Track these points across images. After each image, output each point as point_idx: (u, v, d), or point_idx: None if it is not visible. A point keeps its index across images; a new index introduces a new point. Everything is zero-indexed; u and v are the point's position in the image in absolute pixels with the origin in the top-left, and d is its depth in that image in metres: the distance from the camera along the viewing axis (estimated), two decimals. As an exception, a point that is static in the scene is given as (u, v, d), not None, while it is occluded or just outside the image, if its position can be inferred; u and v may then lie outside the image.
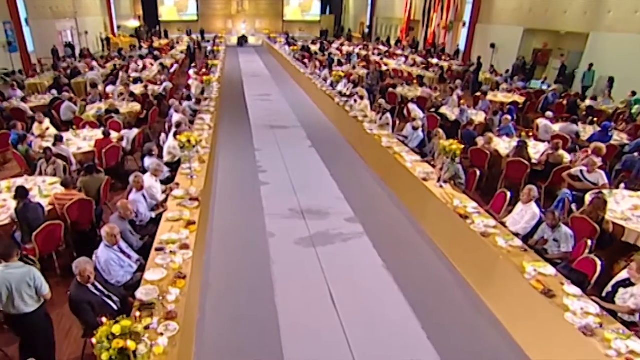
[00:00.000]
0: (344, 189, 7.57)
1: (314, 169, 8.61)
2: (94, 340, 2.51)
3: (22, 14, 17.18)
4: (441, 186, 6.09)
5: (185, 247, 4.37)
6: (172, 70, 16.14)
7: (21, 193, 4.88)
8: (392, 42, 27.95)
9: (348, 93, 12.01)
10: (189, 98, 11.03)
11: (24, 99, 10.86)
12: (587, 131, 9.14)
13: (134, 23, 32.86)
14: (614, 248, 5.21)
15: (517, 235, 4.97)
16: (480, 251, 4.85)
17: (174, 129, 7.52)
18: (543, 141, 8.51)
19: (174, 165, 6.84)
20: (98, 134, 7.82)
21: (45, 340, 3.81)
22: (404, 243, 6.00)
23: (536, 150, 7.79)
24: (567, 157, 7.31)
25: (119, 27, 30.13)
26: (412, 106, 10.65)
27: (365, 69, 17.60)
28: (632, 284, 3.93)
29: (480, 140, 7.99)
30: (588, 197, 5.82)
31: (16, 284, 3.47)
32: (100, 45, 26.61)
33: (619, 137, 8.75)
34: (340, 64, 18.61)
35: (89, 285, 3.57)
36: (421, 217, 6.41)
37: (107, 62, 17.80)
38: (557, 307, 3.76)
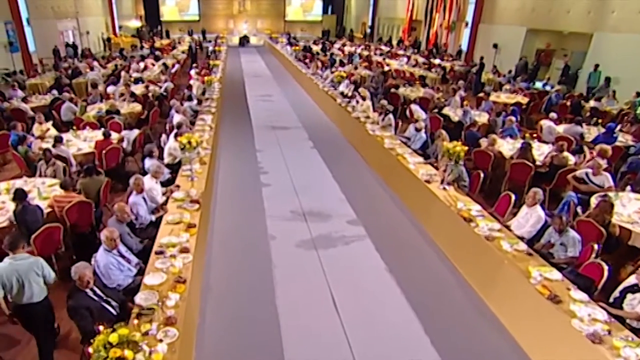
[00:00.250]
0: (346, 190, 7.50)
1: (316, 170, 8.55)
2: (90, 350, 2.45)
3: (24, 14, 17.19)
4: (444, 188, 6.01)
5: (185, 250, 4.31)
6: (173, 71, 16.09)
7: (19, 195, 4.83)
8: (394, 43, 27.87)
9: (350, 94, 11.93)
10: (190, 98, 10.98)
11: (24, 99, 10.82)
12: (591, 132, 9.06)
13: (136, 23, 32.84)
14: (621, 252, 5.13)
15: (521, 239, 4.90)
16: (485, 255, 4.77)
17: (174, 130, 7.46)
18: (547, 142, 8.44)
19: (175, 167, 6.78)
20: (98, 134, 7.77)
21: (52, 329, 3.90)
22: (407, 246, 5.93)
23: (540, 151, 7.71)
24: (571, 159, 7.24)
25: (120, 27, 30.12)
26: (414, 107, 10.58)
27: (367, 70, 17.52)
28: (641, 290, 3.86)
29: (483, 142, 7.91)
30: (594, 200, 5.75)
31: (25, 274, 3.62)
32: (101, 45, 26.60)
33: (623, 139, 8.66)
34: (342, 64, 18.54)
35: (88, 291, 3.51)
36: (424, 220, 6.33)
37: (109, 62, 17.76)
38: (563, 313, 3.68)
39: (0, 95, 10.45)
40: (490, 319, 4.51)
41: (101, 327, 2.53)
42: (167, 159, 7.12)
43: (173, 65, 17.06)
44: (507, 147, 7.93)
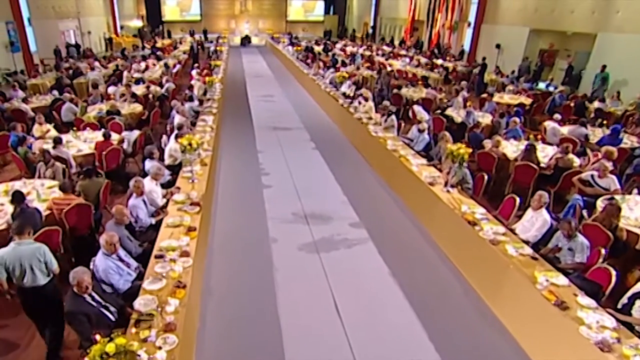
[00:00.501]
0: (349, 192, 7.42)
1: (318, 171, 8.48)
2: (86, 360, 2.39)
3: (25, 14, 17.15)
4: (448, 191, 5.94)
5: (185, 254, 4.24)
6: (174, 71, 16.04)
7: (18, 198, 4.77)
8: (396, 43, 27.79)
9: (352, 95, 11.86)
10: (191, 99, 10.92)
11: (25, 100, 10.77)
12: (596, 134, 8.97)
13: (137, 23, 32.84)
14: (628, 256, 5.04)
15: (527, 242, 4.82)
16: (489, 259, 4.70)
17: (175, 131, 7.40)
18: (551, 144, 8.35)
19: (176, 168, 6.71)
20: (98, 135, 7.70)
21: (56, 311, 3.88)
22: (410, 249, 5.85)
23: (544, 153, 7.62)
24: (576, 161, 7.15)
25: (122, 27, 30.10)
26: (417, 108, 10.51)
27: (369, 70, 17.44)
28: (650, 296, 3.78)
29: (487, 144, 7.83)
30: (600, 203, 5.66)
31: (28, 259, 3.75)
32: (103, 45, 26.58)
33: (629, 140, 8.57)
34: (344, 64, 18.46)
35: (86, 296, 3.45)
36: (428, 223, 6.26)
37: (110, 62, 17.73)
38: (571, 320, 3.60)
39: (1, 96, 10.40)
40: (495, 324, 4.44)
41: (98, 337, 2.46)
42: (167, 161, 7.06)
43: (174, 66, 17.02)
44: (511, 148, 7.85)
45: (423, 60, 20.10)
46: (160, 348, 3.12)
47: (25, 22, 17.10)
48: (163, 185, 5.84)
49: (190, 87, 12.77)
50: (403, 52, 23.65)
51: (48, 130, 8.18)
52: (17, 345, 4.15)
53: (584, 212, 5.88)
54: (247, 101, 14.41)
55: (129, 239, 4.58)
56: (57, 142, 6.85)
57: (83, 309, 3.40)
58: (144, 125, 9.76)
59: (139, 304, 3.51)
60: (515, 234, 5.05)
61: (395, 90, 12.96)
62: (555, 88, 13.54)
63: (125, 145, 7.80)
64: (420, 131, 8.21)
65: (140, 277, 4.05)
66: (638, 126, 9.57)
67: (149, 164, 6.20)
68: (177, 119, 8.52)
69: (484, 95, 12.29)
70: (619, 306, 4.00)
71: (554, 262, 4.55)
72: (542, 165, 7.09)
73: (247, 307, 4.61)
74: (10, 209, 4.99)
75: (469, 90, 13.25)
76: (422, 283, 5.12)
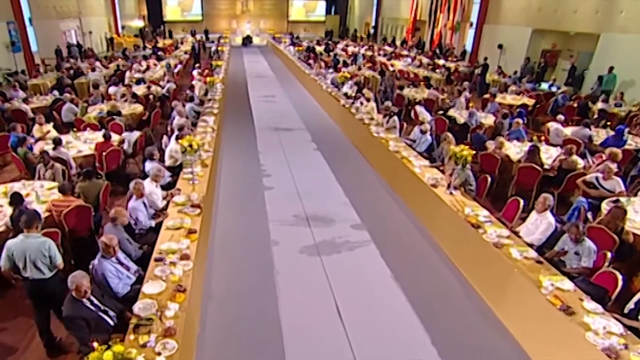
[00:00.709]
0: (350, 194, 7.37)
1: (319, 173, 8.42)
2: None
3: (26, 14, 17.12)
4: (451, 193, 5.88)
5: (185, 257, 4.19)
6: (175, 71, 16.00)
7: (16, 199, 4.73)
8: (398, 43, 27.71)
9: (354, 95, 11.80)
10: (192, 99, 10.87)
11: (25, 100, 10.74)
12: (599, 135, 8.90)
13: (138, 23, 32.81)
14: (634, 260, 4.97)
15: (531, 245, 4.76)
16: (493, 262, 4.64)
17: (176, 132, 7.35)
18: (554, 145, 8.28)
19: (176, 170, 6.66)
20: (99, 136, 7.65)
21: (60, 304, 3.84)
22: (412, 252, 5.79)
23: (548, 155, 7.55)
24: (580, 163, 7.08)
25: (123, 27, 30.07)
26: (419, 109, 10.45)
27: (371, 70, 17.37)
28: (658, 301, 3.71)
29: (490, 145, 7.77)
30: (605, 206, 5.60)
31: (33, 253, 3.82)
32: (104, 45, 26.55)
33: (633, 142, 8.49)
34: (345, 64, 18.40)
35: (84, 300, 3.40)
36: (430, 225, 6.19)
37: (111, 62, 17.70)
38: (577, 325, 3.54)
39: (1, 96, 10.36)
40: (498, 328, 4.38)
41: (95, 344, 2.40)
42: (168, 162, 7.01)
43: (175, 66, 16.98)
44: (514, 150, 7.78)
45: (425, 60, 20.02)
46: (159, 354, 3.07)
47: (27, 22, 17.07)
48: (163, 187, 5.79)
49: (192, 88, 12.73)
50: (405, 52, 23.57)
51: (48, 131, 8.14)
52: (15, 349, 4.12)
53: (589, 215, 5.81)
54: (249, 102, 14.35)
55: (129, 242, 4.53)
56: (57, 143, 6.81)
57: (82, 313, 3.35)
58: (145, 125, 9.72)
59: (138, 307, 3.46)
60: (519, 236, 4.98)
61: (397, 91, 12.89)
62: (558, 88, 13.46)
63: (125, 146, 7.76)
64: (423, 132, 8.14)
65: (140, 280, 4.00)
66: (642, 127, 9.51)
67: (149, 165, 6.15)
68: (178, 119, 8.47)
69: (486, 95, 12.21)
70: (626, 311, 3.94)
71: (559, 266, 4.49)
72: (545, 166, 7.03)
73: (248, 311, 4.56)
74: (9, 210, 4.95)
75: (470, 90, 13.17)
76: (424, 285, 5.07)
